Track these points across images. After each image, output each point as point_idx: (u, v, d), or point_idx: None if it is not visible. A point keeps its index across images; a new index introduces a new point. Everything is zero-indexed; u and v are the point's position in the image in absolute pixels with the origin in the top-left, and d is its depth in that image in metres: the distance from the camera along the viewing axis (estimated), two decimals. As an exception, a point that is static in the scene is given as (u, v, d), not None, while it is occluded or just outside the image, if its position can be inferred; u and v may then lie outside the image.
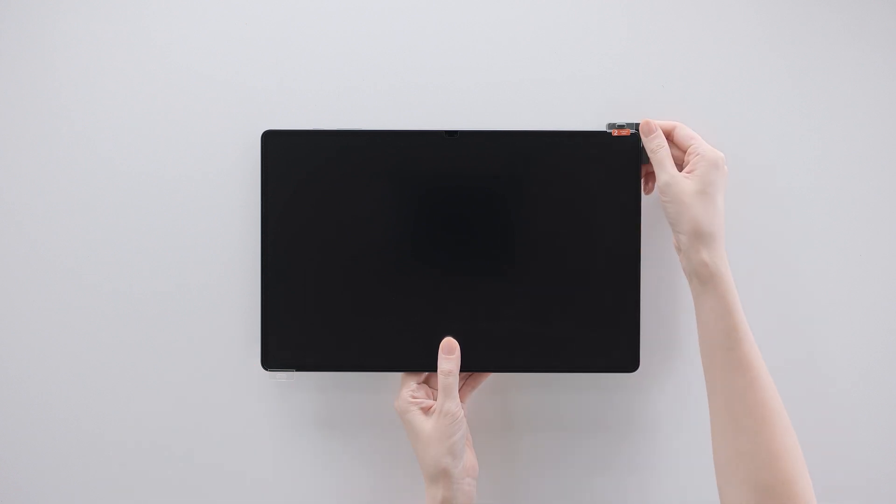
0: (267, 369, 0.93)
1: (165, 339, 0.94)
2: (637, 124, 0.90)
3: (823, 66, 0.95)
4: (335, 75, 0.94)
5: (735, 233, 0.94)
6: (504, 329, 0.91)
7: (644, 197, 0.93)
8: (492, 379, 0.94)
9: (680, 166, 0.88)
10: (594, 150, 0.92)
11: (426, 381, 0.92)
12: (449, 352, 0.89)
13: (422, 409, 0.88)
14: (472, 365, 0.92)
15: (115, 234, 0.94)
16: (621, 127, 0.91)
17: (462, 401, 0.90)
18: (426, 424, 0.87)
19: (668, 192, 0.86)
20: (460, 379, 0.90)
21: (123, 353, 0.94)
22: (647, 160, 0.90)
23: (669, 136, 0.89)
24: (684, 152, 0.88)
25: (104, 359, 0.94)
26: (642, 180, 0.91)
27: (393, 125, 0.94)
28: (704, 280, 0.84)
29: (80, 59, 0.94)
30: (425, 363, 0.92)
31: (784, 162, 0.95)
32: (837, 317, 0.95)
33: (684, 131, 0.89)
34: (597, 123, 0.94)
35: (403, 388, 0.90)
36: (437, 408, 0.87)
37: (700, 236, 0.84)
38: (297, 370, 0.93)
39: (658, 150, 0.88)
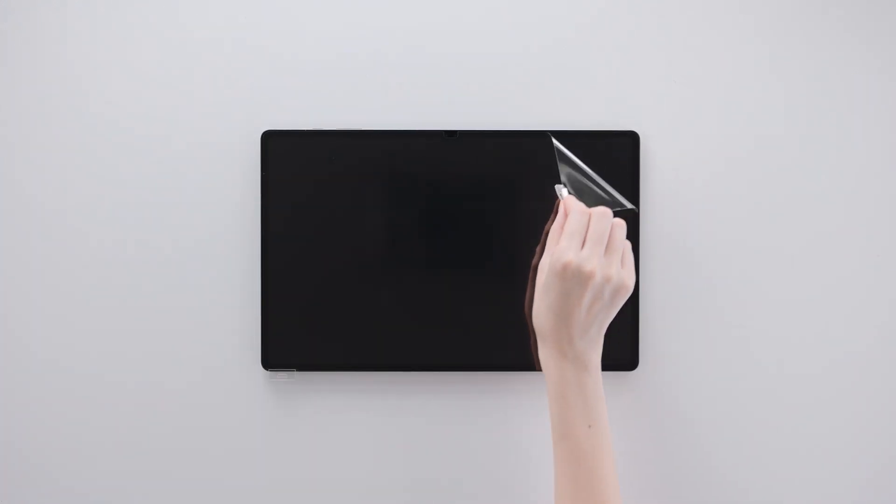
0: (267, 369, 0.93)
1: (165, 340, 0.94)
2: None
3: (837, 63, 0.94)
4: (335, 75, 0.94)
5: (747, 236, 0.94)
6: (505, 328, 0.91)
7: (643, 196, 0.93)
8: (491, 378, 0.94)
9: None
10: (594, 150, 0.92)
11: None
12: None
13: None
14: (472, 364, 0.92)
15: (115, 233, 0.94)
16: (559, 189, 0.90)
17: None
18: None
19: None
20: None
21: (123, 352, 0.94)
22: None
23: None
24: None
25: (103, 358, 0.94)
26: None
27: (393, 125, 0.94)
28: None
29: (77, 59, 0.94)
30: (427, 363, 0.92)
31: (797, 161, 0.95)
32: (856, 317, 0.95)
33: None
34: (597, 123, 0.94)
35: None
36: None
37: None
38: (297, 370, 0.93)
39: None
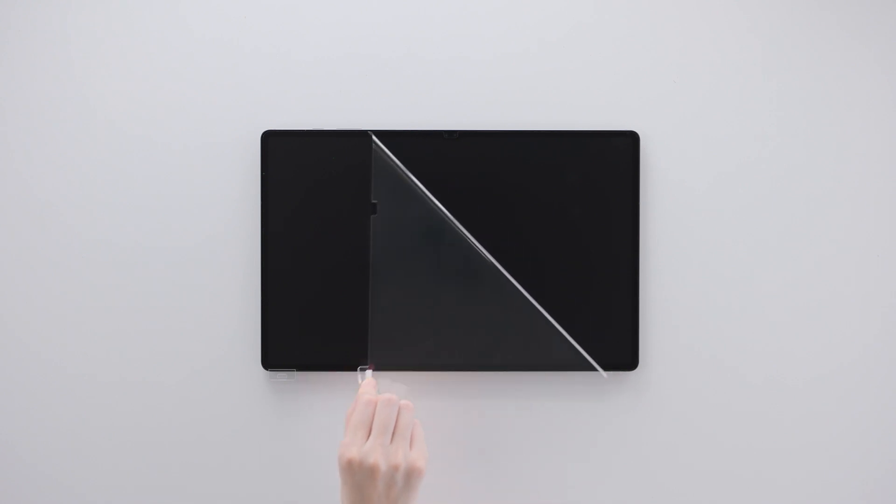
0: (267, 369, 0.93)
1: (165, 339, 0.94)
2: None
3: (838, 63, 0.94)
4: (335, 75, 0.94)
5: (748, 236, 0.94)
6: (505, 328, 0.91)
7: (643, 196, 0.93)
8: (490, 378, 0.94)
9: None
10: (594, 150, 0.92)
11: None
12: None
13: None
14: (471, 364, 0.92)
15: (114, 233, 0.94)
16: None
17: None
18: None
19: None
20: None
21: (122, 352, 0.94)
22: None
23: None
24: None
25: (103, 359, 0.94)
26: None
27: (393, 125, 0.94)
28: None
29: (77, 59, 0.94)
30: (426, 363, 0.92)
31: (797, 161, 0.95)
32: (858, 318, 0.95)
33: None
34: (597, 123, 0.94)
35: None
36: None
37: None
38: (297, 370, 0.93)
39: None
